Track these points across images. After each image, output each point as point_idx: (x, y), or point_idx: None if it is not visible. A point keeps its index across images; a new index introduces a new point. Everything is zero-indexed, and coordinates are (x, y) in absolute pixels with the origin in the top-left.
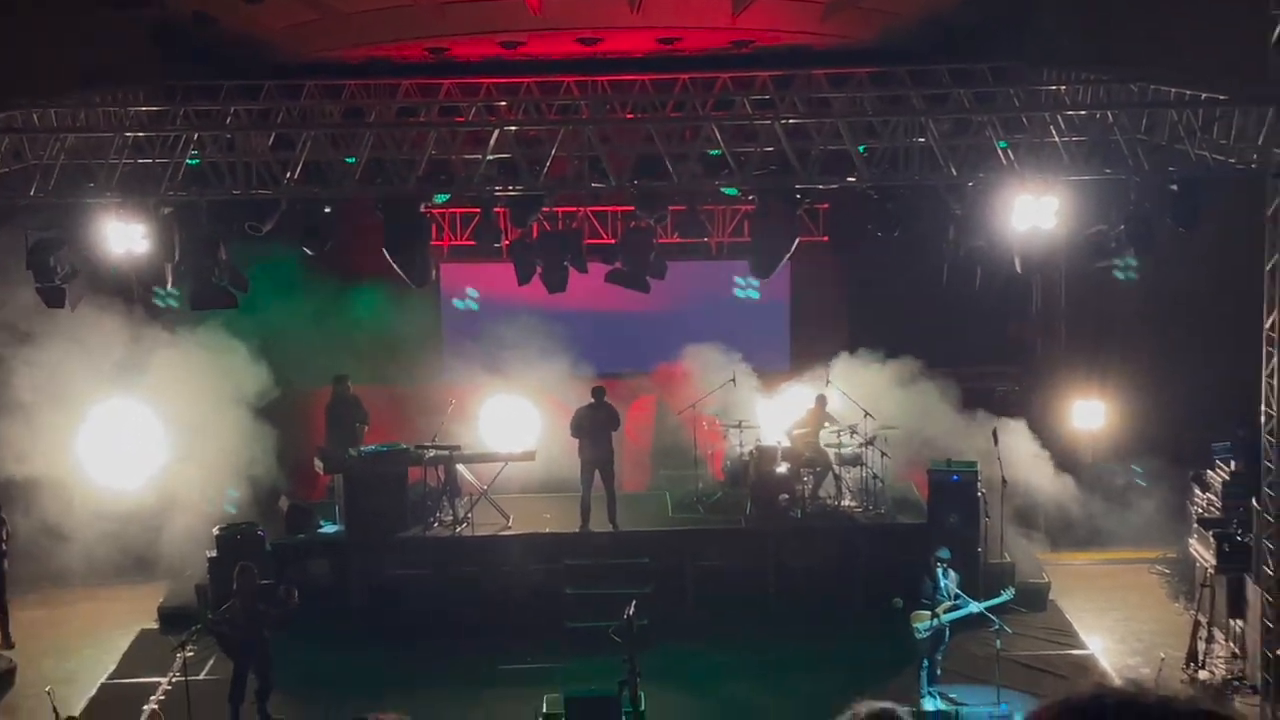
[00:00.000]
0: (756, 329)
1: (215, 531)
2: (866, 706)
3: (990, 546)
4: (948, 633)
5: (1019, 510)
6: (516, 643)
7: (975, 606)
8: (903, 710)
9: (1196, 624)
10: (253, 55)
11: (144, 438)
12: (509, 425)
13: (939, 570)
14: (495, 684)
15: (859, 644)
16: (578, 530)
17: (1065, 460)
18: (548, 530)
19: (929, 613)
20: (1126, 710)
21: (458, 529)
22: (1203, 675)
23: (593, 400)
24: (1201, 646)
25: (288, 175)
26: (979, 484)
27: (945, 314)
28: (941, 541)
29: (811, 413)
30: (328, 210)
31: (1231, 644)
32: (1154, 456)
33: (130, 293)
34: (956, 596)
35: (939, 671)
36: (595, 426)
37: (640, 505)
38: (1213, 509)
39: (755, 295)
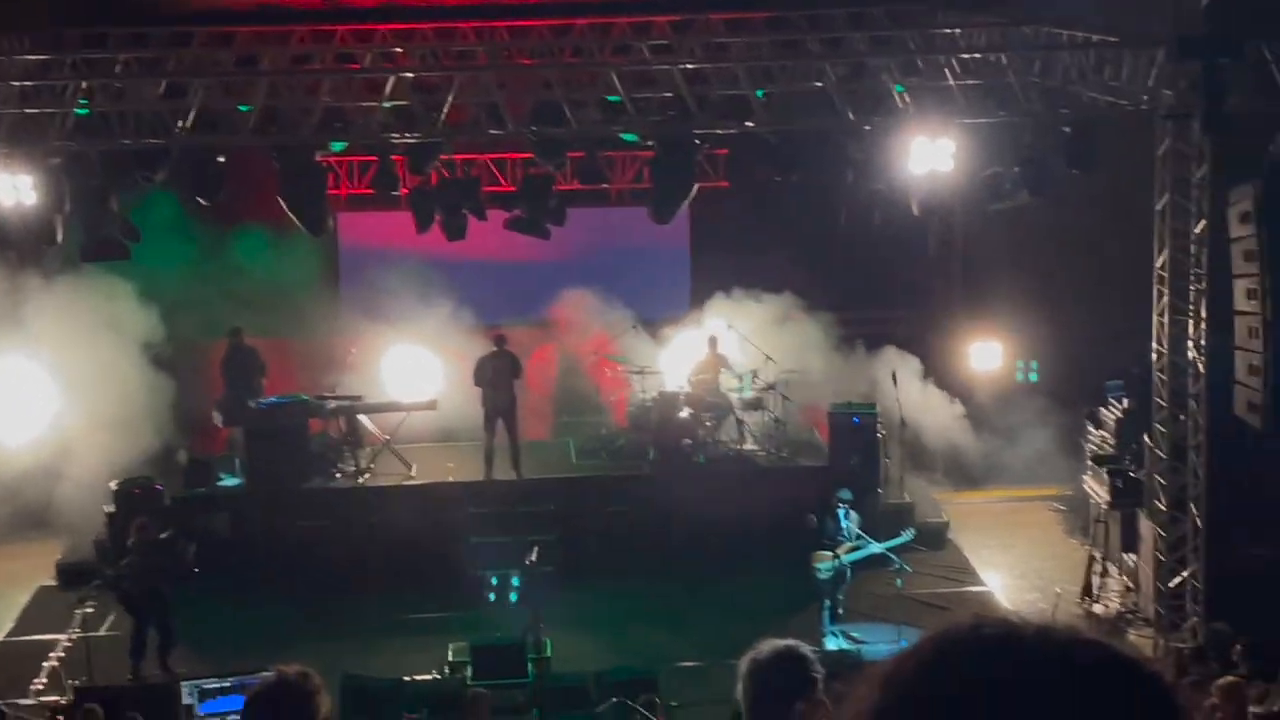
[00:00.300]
0: (657, 275)
1: (112, 487)
2: (770, 645)
3: (890, 487)
4: (849, 573)
5: (918, 451)
6: (421, 592)
7: (876, 547)
8: (805, 648)
9: (1091, 559)
10: (142, 2)
11: (35, 393)
12: (410, 375)
13: (840, 511)
14: (401, 634)
15: (761, 586)
16: (481, 479)
17: (962, 401)
18: (451, 480)
19: (830, 553)
20: (1004, 642)
21: (360, 480)
22: (1097, 609)
23: (494, 348)
24: (1096, 581)
25: (179, 124)
26: (879, 425)
27: (844, 257)
28: (842, 483)
29: (707, 357)
30: (221, 159)
31: (1125, 577)
32: (1049, 395)
33: (19, 246)
34: (858, 537)
35: (841, 611)
36: (497, 374)
37: (544, 453)
38: (1106, 446)
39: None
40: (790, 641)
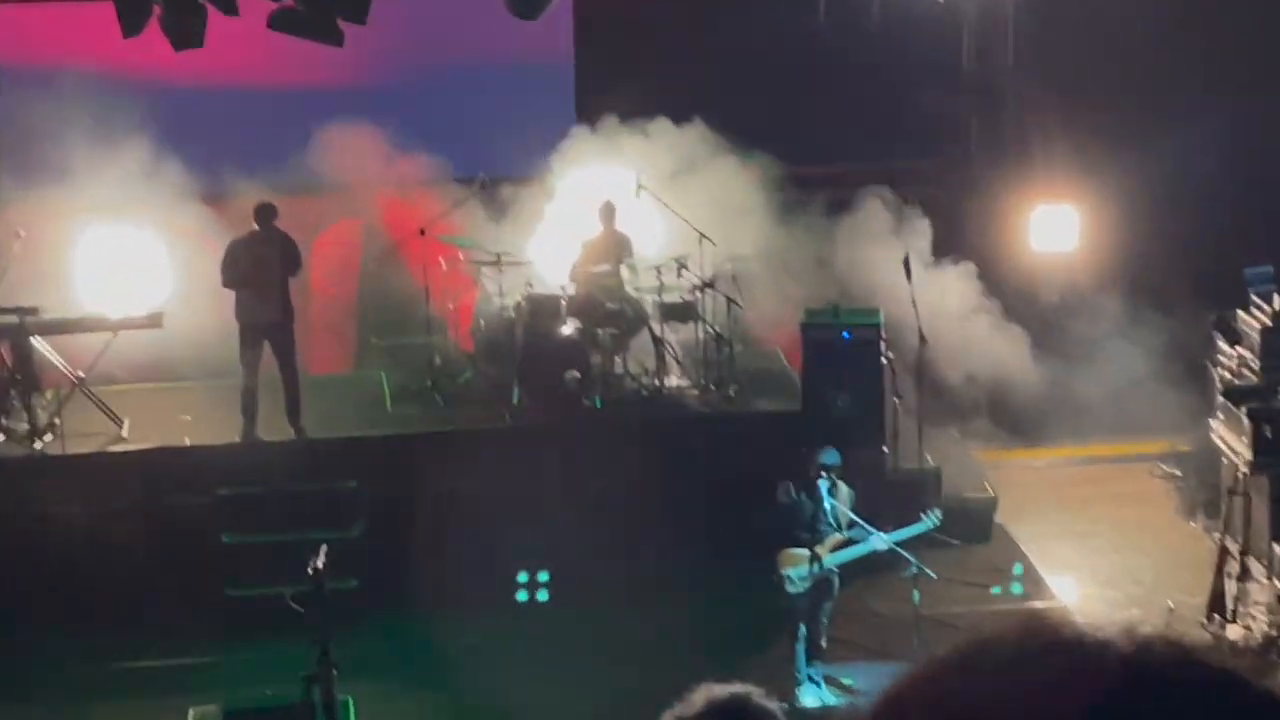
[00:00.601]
0: (520, 106)
1: None
2: (705, 694)
3: (903, 444)
4: (837, 582)
5: (946, 386)
6: (145, 625)
7: (880, 540)
8: (762, 698)
9: (1223, 553)
10: None
11: None
12: (117, 273)
13: (822, 485)
14: (114, 693)
15: (699, 603)
16: (238, 440)
17: (1018, 304)
18: (188, 442)
19: (807, 553)
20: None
21: (37, 444)
22: (1233, 631)
23: (256, 228)
24: (1231, 588)
25: None
26: (883, 344)
27: (825, 80)
28: (825, 439)
29: (601, 236)
30: None
31: (1277, 581)
32: (1155, 294)
33: None
34: (850, 525)
35: (824, 643)
36: (260, 270)
37: (341, 395)
38: (1247, 372)
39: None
40: (739, 688)
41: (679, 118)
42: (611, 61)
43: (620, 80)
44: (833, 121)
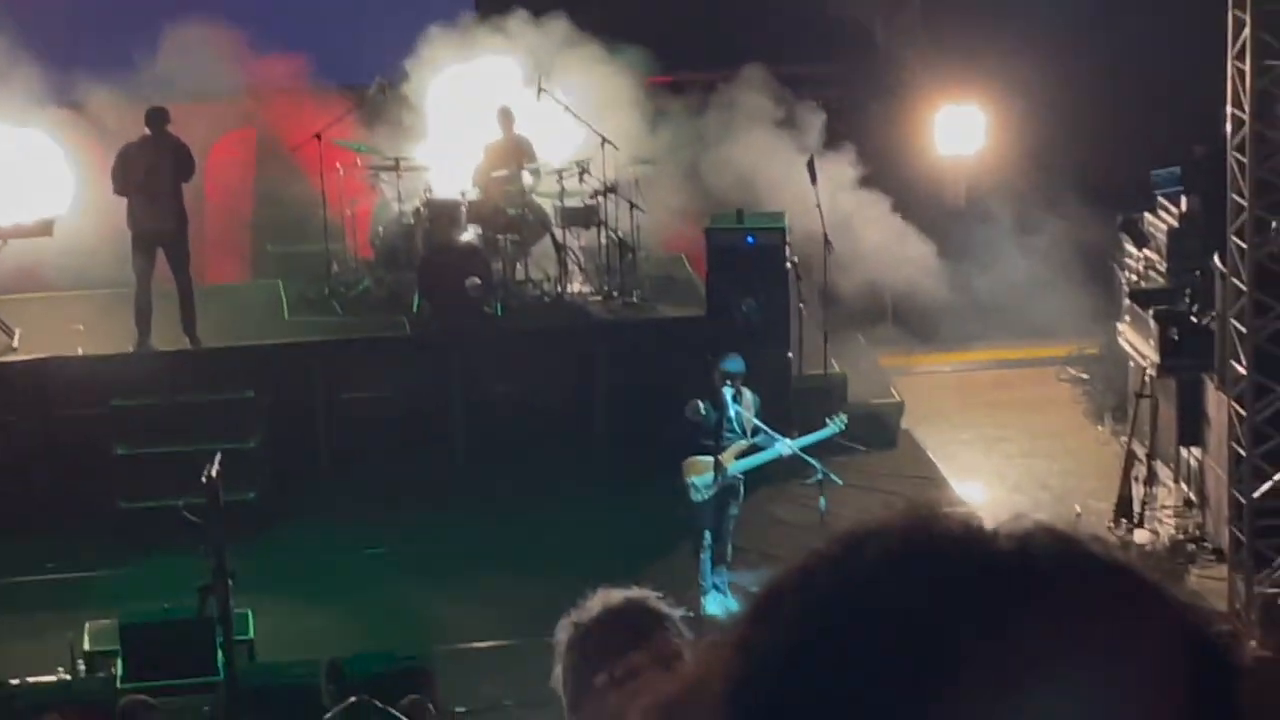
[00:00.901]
0: (420, 8)
1: None
2: (602, 599)
3: (808, 350)
4: (742, 490)
5: (852, 290)
6: (38, 538)
7: (785, 446)
8: (659, 602)
9: (1130, 457)
10: None
11: None
12: (5, 180)
13: (726, 392)
14: (7, 607)
15: (601, 512)
16: (131, 350)
17: (923, 207)
18: (80, 352)
19: (712, 461)
20: (971, 543)
21: None
22: (1141, 536)
23: (148, 132)
24: (1138, 491)
25: None
26: (788, 249)
27: None
28: (729, 345)
29: (500, 142)
30: None
31: (1184, 485)
32: (1061, 196)
33: None
34: (755, 433)
35: (729, 551)
36: (153, 176)
37: (237, 303)
38: (1153, 274)
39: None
40: (635, 592)
41: (576, 17)
42: None
43: None
44: (734, 25)
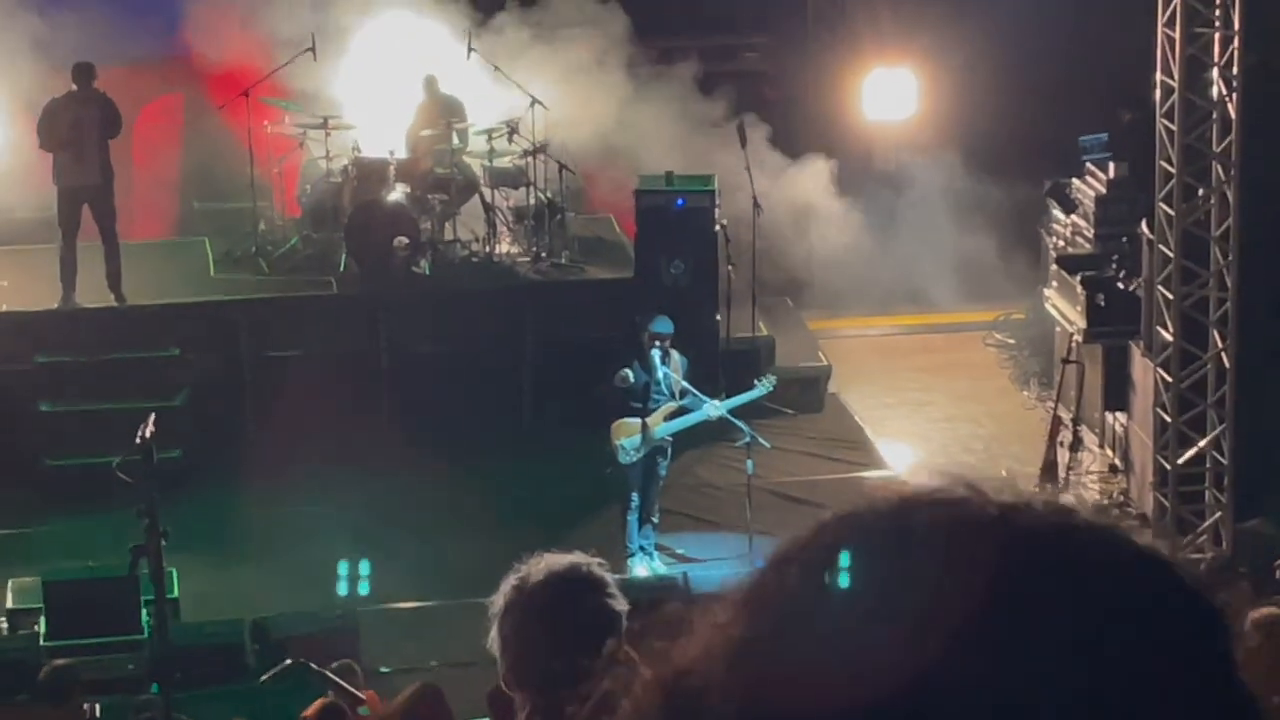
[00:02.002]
0: None
1: None
2: (544, 564)
3: (736, 312)
4: (669, 451)
5: (780, 253)
6: None
7: (713, 408)
8: (597, 567)
9: (1056, 421)
10: None
11: None
12: None
13: (654, 353)
14: None
15: (528, 473)
16: (56, 306)
17: (852, 169)
18: (4, 308)
19: (639, 423)
20: (952, 530)
21: None
22: (1065, 500)
23: (74, 88)
24: (1063, 456)
25: None
26: (716, 211)
27: None
28: (657, 307)
29: (427, 102)
30: None
31: (1108, 451)
32: (989, 161)
33: None
34: (683, 395)
35: (656, 515)
36: (79, 131)
37: (163, 260)
38: (1080, 241)
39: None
40: (576, 557)
41: None
42: None
43: None
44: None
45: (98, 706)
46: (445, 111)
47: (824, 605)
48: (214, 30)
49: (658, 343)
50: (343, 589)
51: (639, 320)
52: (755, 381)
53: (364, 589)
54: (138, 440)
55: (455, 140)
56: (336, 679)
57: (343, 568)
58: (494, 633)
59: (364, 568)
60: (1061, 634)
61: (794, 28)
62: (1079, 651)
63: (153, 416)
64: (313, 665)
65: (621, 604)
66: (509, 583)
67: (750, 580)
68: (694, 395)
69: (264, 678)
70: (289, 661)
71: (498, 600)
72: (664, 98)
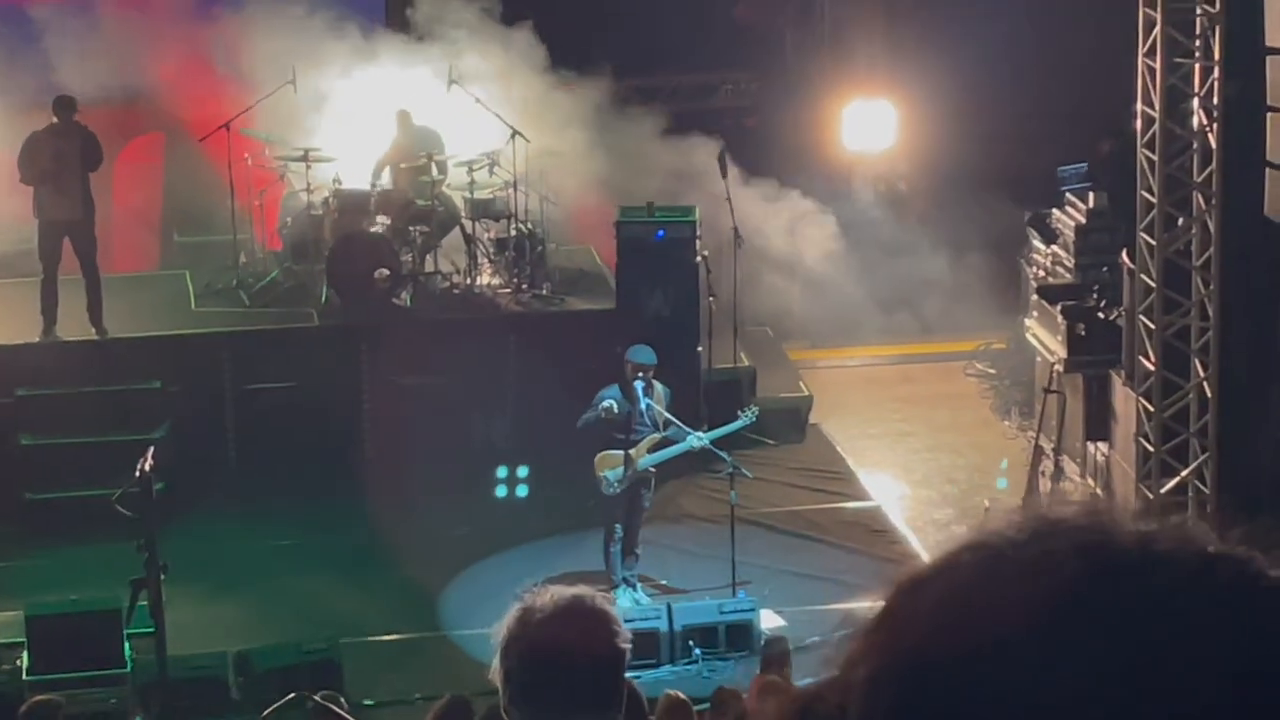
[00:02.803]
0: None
1: None
2: (552, 596)
3: (718, 343)
4: (652, 482)
5: (761, 284)
6: None
7: (696, 439)
8: (600, 598)
9: (1037, 451)
10: None
11: None
12: None
13: (637, 384)
14: None
15: (508, 505)
16: (37, 339)
17: (834, 200)
18: None
19: (622, 454)
20: (1094, 563)
21: None
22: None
23: (55, 121)
24: (1045, 486)
25: None
26: (698, 242)
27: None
28: (638, 337)
29: (398, 139)
30: None
31: (1090, 480)
32: (969, 192)
33: None
34: (666, 425)
35: (638, 547)
36: (61, 165)
37: (144, 293)
38: (1060, 270)
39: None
40: (581, 589)
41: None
42: None
43: None
44: (645, 32)
45: None
46: (420, 144)
47: (962, 629)
48: (192, 67)
49: (640, 374)
50: (501, 491)
51: (620, 350)
52: (738, 412)
53: (522, 492)
54: (136, 474)
55: (435, 172)
56: (341, 713)
57: (501, 471)
58: (496, 663)
59: (522, 471)
60: (1207, 660)
61: (773, 62)
62: (1233, 681)
63: (151, 450)
64: (316, 699)
65: (626, 641)
66: (513, 613)
67: (886, 608)
68: (677, 426)
69: (266, 712)
70: (292, 695)
71: (501, 630)
72: (644, 129)
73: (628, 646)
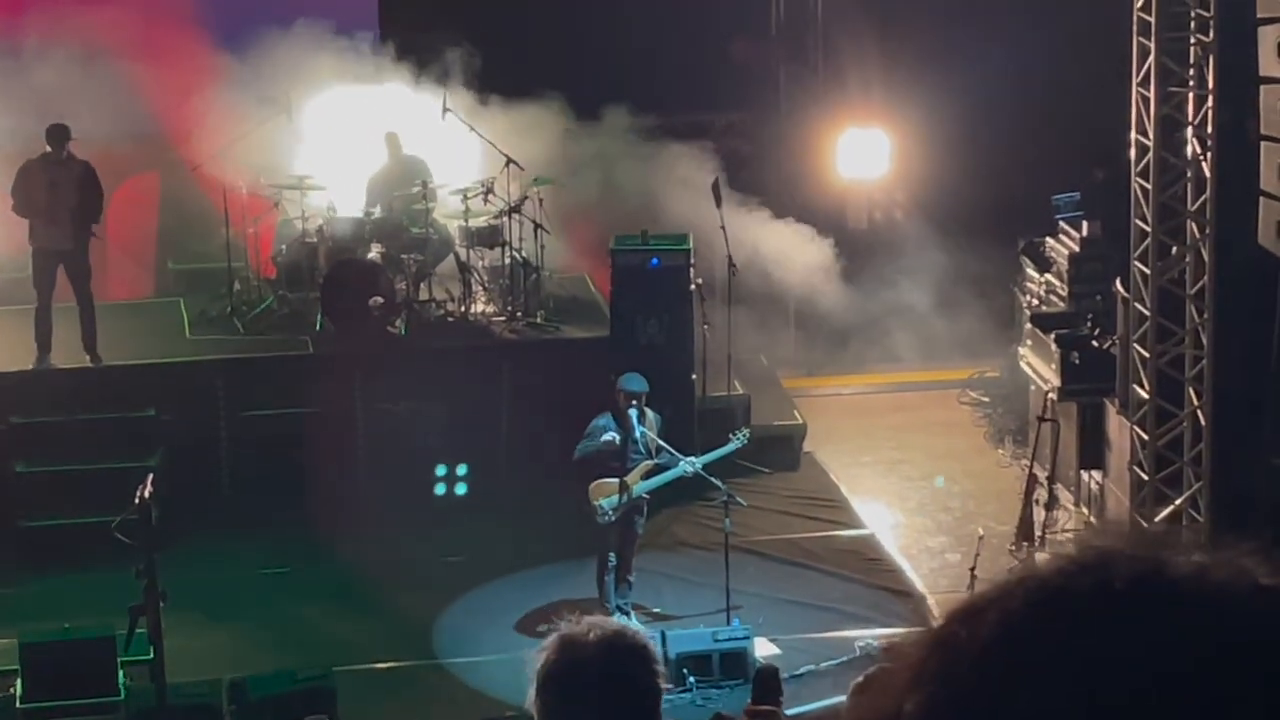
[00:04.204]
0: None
1: None
2: (593, 629)
3: (712, 371)
4: (645, 509)
5: (757, 312)
6: None
7: (689, 464)
8: (639, 634)
9: (1031, 480)
10: None
11: None
12: None
13: (631, 412)
14: None
15: (502, 533)
16: (32, 367)
17: (829, 229)
18: None
19: (617, 482)
20: (1151, 595)
21: None
22: (1041, 558)
23: (48, 150)
24: (1039, 515)
25: None
26: (691, 270)
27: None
28: (631, 365)
29: (389, 164)
30: None
31: (1084, 508)
32: (963, 220)
33: None
34: (658, 451)
35: (631, 574)
36: (55, 194)
37: (138, 321)
38: (1054, 299)
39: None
40: (620, 623)
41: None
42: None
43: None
44: (637, 72)
45: None
46: (409, 172)
47: (1019, 659)
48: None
49: (633, 401)
50: (440, 489)
51: (612, 380)
52: (730, 435)
53: (461, 490)
54: (136, 501)
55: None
56: None
57: (440, 470)
58: (532, 694)
59: (461, 469)
60: (1269, 688)
61: (767, 96)
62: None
63: (151, 477)
64: None
65: (665, 680)
66: (552, 643)
67: (935, 635)
68: (669, 452)
69: None
70: None
71: (539, 660)
72: (639, 157)
73: (666, 688)
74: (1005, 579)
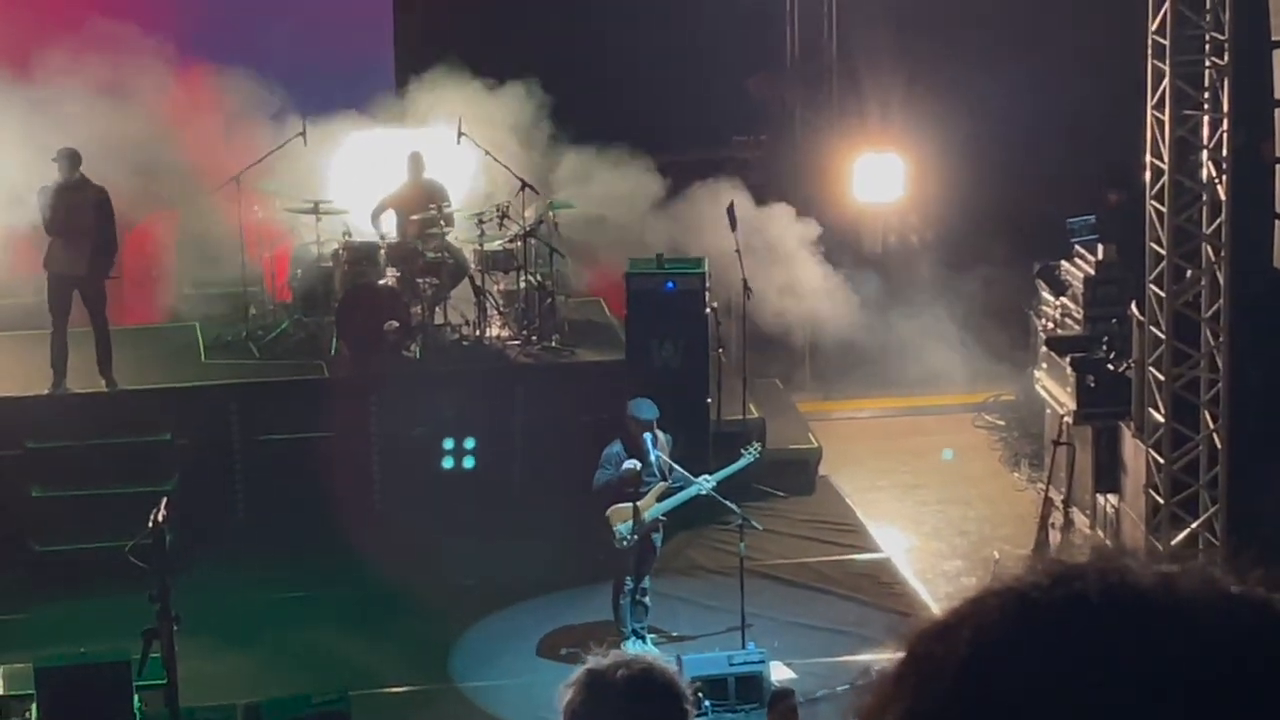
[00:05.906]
0: (342, 54)
1: None
2: (622, 663)
3: (726, 395)
4: (660, 534)
5: (771, 336)
6: None
7: (702, 484)
8: (670, 668)
9: (1046, 503)
10: None
11: None
12: None
13: (646, 436)
14: None
15: (516, 556)
16: (47, 391)
17: (842, 253)
18: None
19: (631, 507)
20: (1121, 604)
21: None
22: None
23: (64, 176)
24: (1055, 538)
25: None
26: (707, 294)
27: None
28: (646, 388)
29: (407, 187)
30: None
31: (1100, 532)
32: (978, 244)
33: None
34: (670, 473)
35: (647, 599)
36: (72, 218)
37: (154, 345)
38: (1069, 322)
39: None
40: (650, 657)
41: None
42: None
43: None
44: (651, 108)
45: None
46: (428, 195)
47: (993, 672)
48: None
49: (646, 426)
50: (448, 463)
51: (630, 402)
52: (741, 451)
53: (469, 463)
54: (150, 525)
55: (448, 223)
56: None
57: (448, 443)
58: None
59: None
60: (1238, 698)
61: (783, 125)
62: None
63: (165, 501)
64: None
65: (694, 716)
66: (579, 678)
67: (911, 653)
68: (682, 473)
69: None
70: None
71: (566, 695)
72: (653, 182)
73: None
74: (977, 594)
